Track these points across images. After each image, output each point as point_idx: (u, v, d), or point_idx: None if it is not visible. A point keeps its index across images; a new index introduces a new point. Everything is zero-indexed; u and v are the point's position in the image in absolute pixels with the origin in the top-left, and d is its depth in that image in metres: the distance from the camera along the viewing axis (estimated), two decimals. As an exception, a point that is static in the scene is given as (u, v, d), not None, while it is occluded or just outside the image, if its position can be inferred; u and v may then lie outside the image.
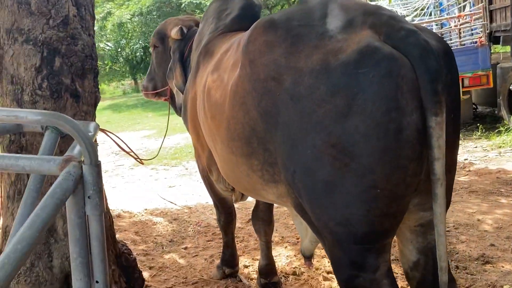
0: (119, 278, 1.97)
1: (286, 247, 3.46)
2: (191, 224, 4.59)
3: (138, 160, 2.07)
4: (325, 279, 2.87)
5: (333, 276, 2.83)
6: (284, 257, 3.25)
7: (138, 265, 3.43)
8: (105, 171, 7.62)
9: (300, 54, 1.31)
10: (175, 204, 5.36)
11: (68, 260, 1.80)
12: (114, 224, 4.55)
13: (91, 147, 1.11)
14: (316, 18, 1.39)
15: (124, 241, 4.09)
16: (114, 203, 5.57)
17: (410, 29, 1.24)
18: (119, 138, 1.97)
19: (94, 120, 2.08)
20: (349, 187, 1.25)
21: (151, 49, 3.49)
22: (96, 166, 1.11)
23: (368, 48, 1.21)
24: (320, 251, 3.27)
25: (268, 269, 2.70)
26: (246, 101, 1.48)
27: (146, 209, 5.28)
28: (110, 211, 5.12)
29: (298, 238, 3.56)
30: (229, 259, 2.97)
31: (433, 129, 1.19)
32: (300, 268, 3.02)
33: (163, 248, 3.90)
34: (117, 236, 4.18)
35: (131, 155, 2.07)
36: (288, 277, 2.95)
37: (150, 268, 3.39)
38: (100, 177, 1.13)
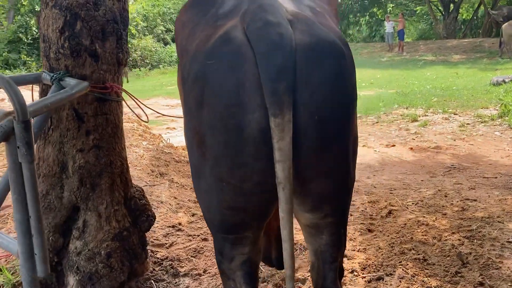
0: (122, 217, 2.27)
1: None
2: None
3: (143, 119, 2.29)
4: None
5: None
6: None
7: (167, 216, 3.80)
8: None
9: (193, 37, 1.33)
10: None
11: (75, 194, 2.16)
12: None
13: (20, 106, 1.33)
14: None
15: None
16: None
17: (267, 21, 1.14)
18: (132, 96, 2.22)
19: (119, 77, 2.35)
20: (206, 175, 1.26)
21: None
22: (23, 122, 1.34)
23: (221, 39, 1.17)
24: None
25: None
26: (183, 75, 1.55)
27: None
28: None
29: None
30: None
31: (273, 130, 1.12)
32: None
33: (215, 199, 4.21)
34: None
35: (143, 111, 2.31)
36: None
37: (193, 215, 3.73)
38: (28, 131, 1.35)
